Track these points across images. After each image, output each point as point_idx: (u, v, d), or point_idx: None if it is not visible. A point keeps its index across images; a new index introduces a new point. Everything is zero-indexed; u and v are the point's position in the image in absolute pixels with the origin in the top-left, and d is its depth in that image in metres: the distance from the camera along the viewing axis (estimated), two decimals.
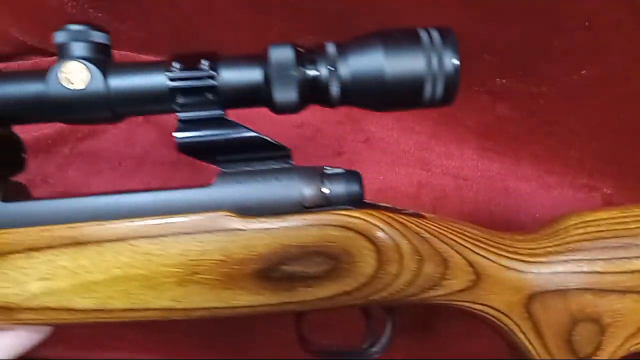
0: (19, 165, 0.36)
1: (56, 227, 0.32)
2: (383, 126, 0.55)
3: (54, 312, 0.32)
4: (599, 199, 0.52)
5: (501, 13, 0.43)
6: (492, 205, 0.55)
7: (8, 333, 0.37)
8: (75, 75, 0.31)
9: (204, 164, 0.57)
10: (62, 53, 0.32)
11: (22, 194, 0.36)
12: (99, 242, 0.32)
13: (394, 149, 0.55)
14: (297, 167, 0.34)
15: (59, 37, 0.32)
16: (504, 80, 0.49)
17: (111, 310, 0.32)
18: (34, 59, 0.61)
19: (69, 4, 0.55)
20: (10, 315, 0.32)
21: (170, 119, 0.61)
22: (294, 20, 0.50)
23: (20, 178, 0.63)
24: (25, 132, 0.63)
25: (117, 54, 0.60)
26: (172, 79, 0.31)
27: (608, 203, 0.52)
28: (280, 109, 0.33)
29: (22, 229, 0.32)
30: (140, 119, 0.60)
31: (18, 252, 0.31)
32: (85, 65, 0.31)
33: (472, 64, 0.50)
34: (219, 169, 0.35)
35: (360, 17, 0.47)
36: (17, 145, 0.36)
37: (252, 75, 0.32)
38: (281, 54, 0.32)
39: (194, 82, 0.32)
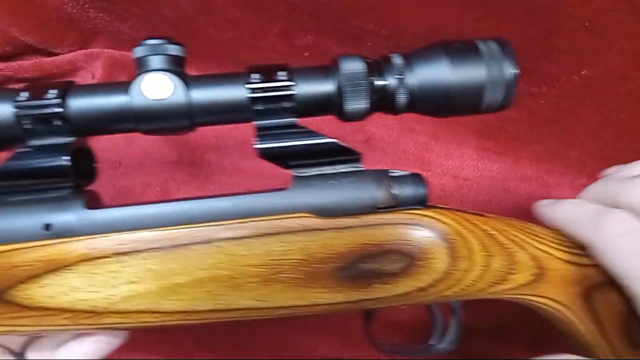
0: (92, 175, 0.37)
1: (144, 232, 0.33)
2: (383, 126, 0.55)
3: (140, 315, 0.33)
4: None
5: (501, 13, 0.43)
6: (492, 205, 0.55)
7: (88, 338, 0.37)
8: (157, 87, 0.33)
9: (204, 164, 0.57)
10: (142, 66, 0.33)
11: (98, 201, 0.37)
12: (186, 245, 0.33)
13: (394, 149, 0.55)
14: (366, 170, 0.36)
15: (138, 52, 0.33)
16: None
17: (196, 312, 0.33)
18: (34, 58, 0.61)
19: (69, 4, 0.56)
20: (97, 319, 0.33)
21: None
22: (294, 20, 0.50)
23: None
24: None
25: (117, 54, 0.60)
26: (253, 90, 0.33)
27: None
28: (349, 117, 0.35)
29: (110, 235, 0.33)
30: None
31: (107, 257, 0.32)
32: (167, 76, 0.33)
33: None
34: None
35: (360, 16, 0.47)
36: (91, 156, 0.37)
37: (325, 85, 0.34)
38: (352, 65, 0.34)
39: (274, 92, 0.33)
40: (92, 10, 0.56)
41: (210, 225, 0.33)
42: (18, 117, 0.32)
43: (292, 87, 0.33)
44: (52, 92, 0.32)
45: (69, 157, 0.33)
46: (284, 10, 0.49)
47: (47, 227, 0.33)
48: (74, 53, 0.60)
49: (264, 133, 0.34)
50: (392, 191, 0.35)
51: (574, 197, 0.39)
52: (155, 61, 0.33)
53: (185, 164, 0.58)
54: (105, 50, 0.60)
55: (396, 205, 0.35)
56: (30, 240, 0.33)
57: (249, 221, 0.33)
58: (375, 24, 0.48)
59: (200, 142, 0.57)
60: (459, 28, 0.46)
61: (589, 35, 0.43)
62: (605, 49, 0.44)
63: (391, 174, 0.36)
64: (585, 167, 0.53)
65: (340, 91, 0.34)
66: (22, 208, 0.34)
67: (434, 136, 0.55)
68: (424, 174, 0.55)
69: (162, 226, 0.33)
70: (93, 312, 0.33)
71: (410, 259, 0.34)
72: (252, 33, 0.53)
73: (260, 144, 0.34)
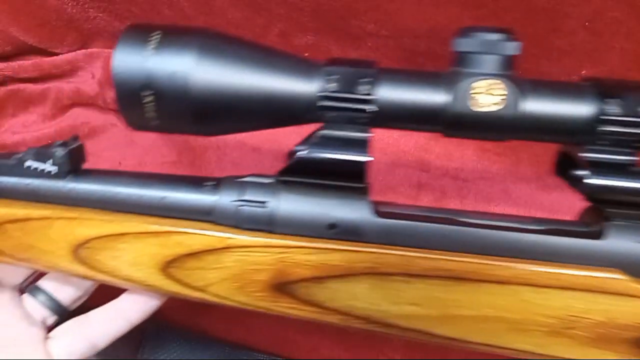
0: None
1: (435, 256, 0.30)
2: None
3: (410, 332, 0.31)
4: None
5: (501, 13, 0.43)
6: (492, 206, 0.55)
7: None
8: (488, 96, 0.28)
9: (204, 164, 0.57)
10: (469, 65, 0.28)
11: (380, 204, 0.33)
12: (479, 281, 0.29)
13: (393, 150, 0.55)
14: None
15: (465, 45, 0.28)
16: None
17: (467, 342, 0.31)
18: (34, 58, 0.61)
19: (69, 4, 0.56)
20: (367, 325, 0.31)
21: None
22: (294, 20, 0.50)
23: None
24: (25, 131, 0.63)
25: None
26: (604, 120, 0.27)
27: None
28: None
29: (402, 253, 0.30)
30: None
31: (394, 274, 0.30)
32: (502, 83, 0.28)
33: None
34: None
35: (360, 16, 0.47)
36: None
37: None
38: None
39: (633, 129, 0.27)
40: (92, 10, 0.56)
41: (509, 264, 0.29)
42: (322, 108, 0.28)
43: None
44: (364, 85, 0.28)
45: (367, 155, 0.29)
46: (284, 10, 0.49)
47: (332, 226, 0.30)
48: (74, 53, 0.60)
49: (595, 169, 0.28)
50: None
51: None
52: (490, 63, 0.28)
53: (185, 164, 0.57)
54: (105, 50, 0.60)
55: None
56: (313, 236, 0.30)
57: (553, 268, 0.29)
58: (375, 24, 0.48)
59: (200, 142, 0.57)
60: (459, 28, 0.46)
61: (589, 35, 0.43)
62: (605, 49, 0.44)
63: None
64: None
65: None
66: (310, 201, 0.30)
67: (433, 137, 0.55)
68: (423, 175, 0.55)
69: (453, 250, 0.30)
70: (365, 320, 0.31)
71: None
72: (252, 33, 0.53)
73: (592, 178, 0.28)
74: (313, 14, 0.49)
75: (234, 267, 0.31)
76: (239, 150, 0.56)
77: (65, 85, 0.61)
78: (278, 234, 0.31)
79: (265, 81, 0.29)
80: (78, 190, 0.34)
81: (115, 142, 0.61)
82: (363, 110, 0.28)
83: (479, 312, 0.30)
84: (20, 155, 0.34)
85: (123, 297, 0.40)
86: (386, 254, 0.30)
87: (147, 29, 0.29)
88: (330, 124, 0.29)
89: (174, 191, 0.32)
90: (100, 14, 0.57)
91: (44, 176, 0.34)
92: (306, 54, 0.53)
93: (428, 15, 0.45)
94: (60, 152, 0.33)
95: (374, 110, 0.28)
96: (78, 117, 0.62)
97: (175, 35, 0.28)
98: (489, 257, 0.29)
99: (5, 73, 0.62)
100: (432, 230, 0.30)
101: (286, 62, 0.29)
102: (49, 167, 0.33)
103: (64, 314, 0.41)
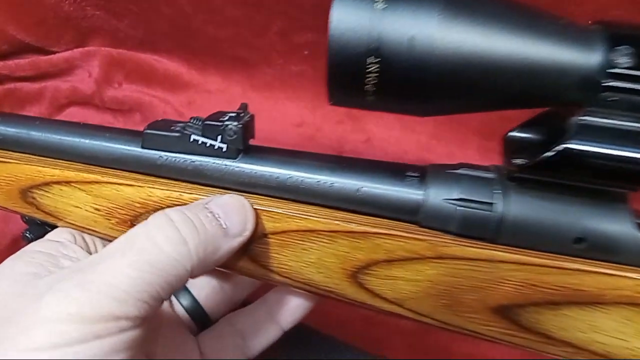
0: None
1: None
2: (384, 126, 0.54)
3: None
4: None
5: None
6: None
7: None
8: None
9: None
10: None
11: None
12: None
13: (395, 149, 0.54)
14: None
15: None
16: None
17: None
18: (31, 57, 0.61)
19: (67, 2, 0.55)
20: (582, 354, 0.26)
21: (167, 117, 0.60)
22: (293, 17, 0.50)
23: None
24: None
25: (114, 52, 0.60)
26: None
27: None
28: None
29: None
30: (137, 117, 0.59)
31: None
32: None
33: None
34: None
35: None
36: None
37: None
38: None
39: None
40: (89, 8, 0.56)
41: None
42: (606, 88, 0.21)
43: None
44: None
45: None
46: (283, 8, 0.49)
47: (579, 240, 0.24)
48: (71, 51, 0.60)
49: None
50: None
51: None
52: None
53: None
54: (102, 49, 0.60)
55: None
56: (552, 251, 0.25)
57: None
58: None
59: None
60: None
61: None
62: None
63: None
64: None
65: None
66: (552, 207, 0.24)
67: (435, 136, 0.55)
68: None
69: None
70: (603, 356, 0.25)
71: None
72: (251, 31, 0.53)
73: None
74: (313, 11, 0.48)
75: (443, 281, 0.26)
76: None
77: (62, 84, 0.61)
78: (502, 244, 0.25)
79: (527, 49, 0.21)
80: (252, 173, 0.28)
81: None
82: None
83: None
84: (182, 125, 0.29)
85: (274, 304, 0.36)
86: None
87: None
88: (596, 110, 0.22)
89: (371, 182, 0.26)
90: (98, 12, 0.56)
91: (212, 154, 0.28)
92: (305, 52, 0.53)
93: None
94: (232, 127, 0.28)
95: None
96: (75, 115, 0.62)
97: None
98: None
99: (2, 72, 0.61)
100: None
101: (553, 25, 0.22)
102: (218, 143, 0.28)
103: (206, 324, 0.37)
